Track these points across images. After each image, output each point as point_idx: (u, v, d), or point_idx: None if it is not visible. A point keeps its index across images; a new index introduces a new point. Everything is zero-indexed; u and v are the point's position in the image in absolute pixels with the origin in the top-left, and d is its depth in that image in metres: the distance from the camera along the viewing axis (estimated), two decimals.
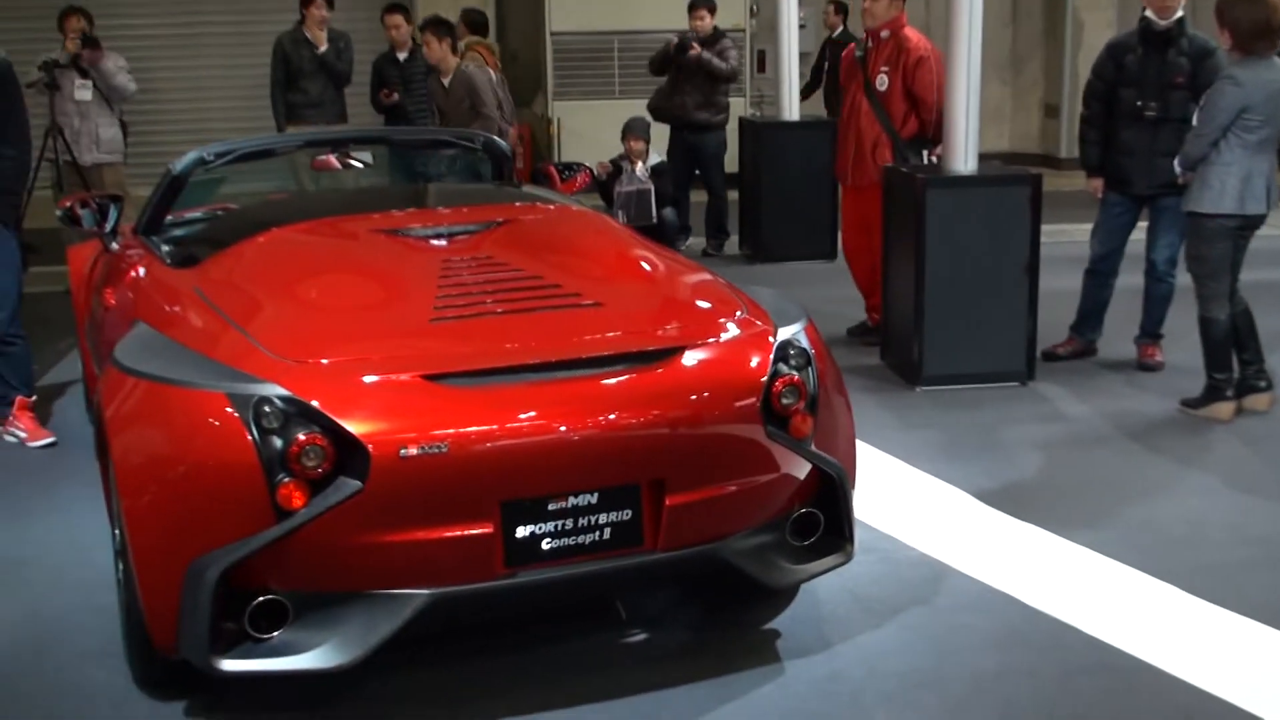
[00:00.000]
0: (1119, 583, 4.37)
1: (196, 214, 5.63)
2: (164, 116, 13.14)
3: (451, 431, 3.22)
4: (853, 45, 7.96)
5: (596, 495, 3.40)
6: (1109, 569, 4.47)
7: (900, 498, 5.10)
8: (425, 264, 4.09)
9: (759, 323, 3.77)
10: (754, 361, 3.61)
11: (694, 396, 3.47)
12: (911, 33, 7.30)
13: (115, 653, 3.85)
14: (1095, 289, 6.92)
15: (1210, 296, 5.90)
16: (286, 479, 3.16)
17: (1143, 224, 6.79)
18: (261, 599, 3.24)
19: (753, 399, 3.55)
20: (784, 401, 3.59)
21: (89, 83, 8.99)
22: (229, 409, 3.22)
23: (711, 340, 3.64)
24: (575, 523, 3.40)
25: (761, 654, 3.90)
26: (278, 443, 3.17)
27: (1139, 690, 3.71)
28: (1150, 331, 6.86)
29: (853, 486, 3.84)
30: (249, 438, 3.18)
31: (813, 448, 3.66)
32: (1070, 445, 5.75)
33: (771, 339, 3.70)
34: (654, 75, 10.37)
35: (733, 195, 10.36)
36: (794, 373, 3.63)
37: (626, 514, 3.44)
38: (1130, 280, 6.97)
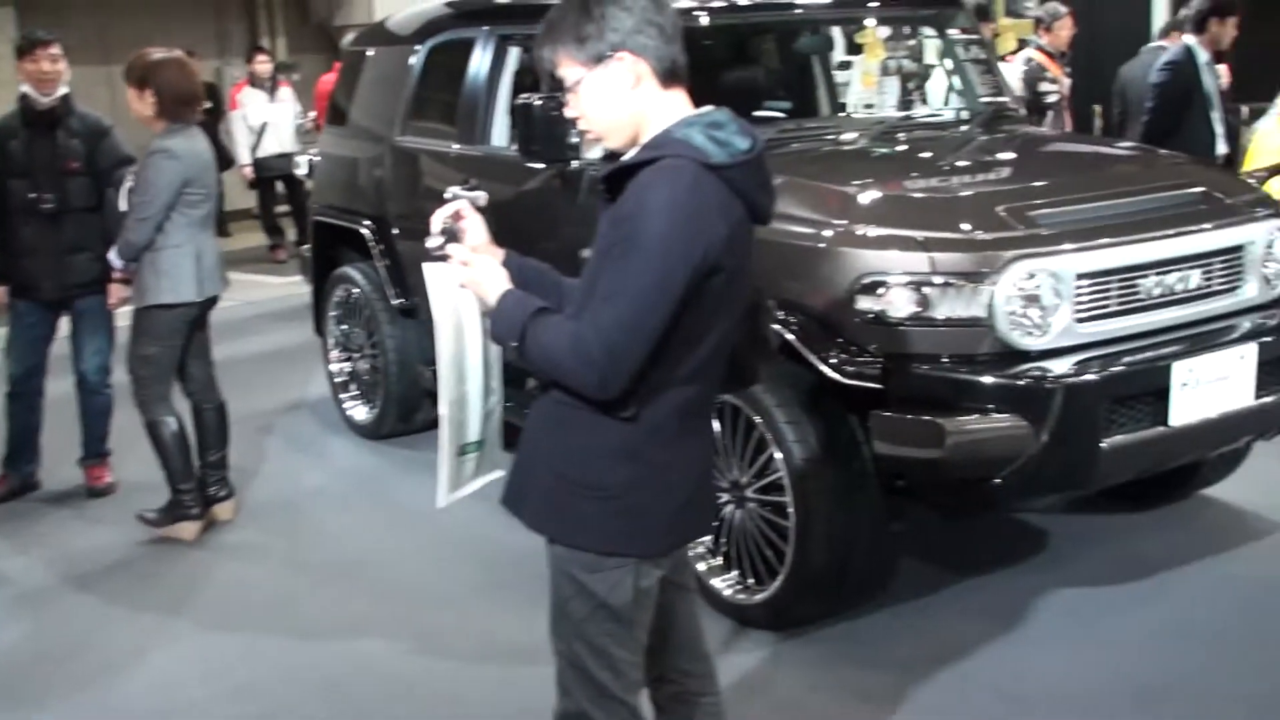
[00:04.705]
0: None
1: None
2: None
3: None
4: None
5: None
6: None
7: None
8: None
9: None
10: None
11: None
12: None
13: None
14: (23, 414, 5.82)
15: (155, 399, 5.19)
16: None
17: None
18: None
19: None
20: None
21: None
22: None
23: None
24: None
25: None
26: None
27: None
28: (96, 451, 5.93)
29: None
30: None
31: None
32: (32, 613, 4.71)
33: None
34: None
35: None
36: None
37: None
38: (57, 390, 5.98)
